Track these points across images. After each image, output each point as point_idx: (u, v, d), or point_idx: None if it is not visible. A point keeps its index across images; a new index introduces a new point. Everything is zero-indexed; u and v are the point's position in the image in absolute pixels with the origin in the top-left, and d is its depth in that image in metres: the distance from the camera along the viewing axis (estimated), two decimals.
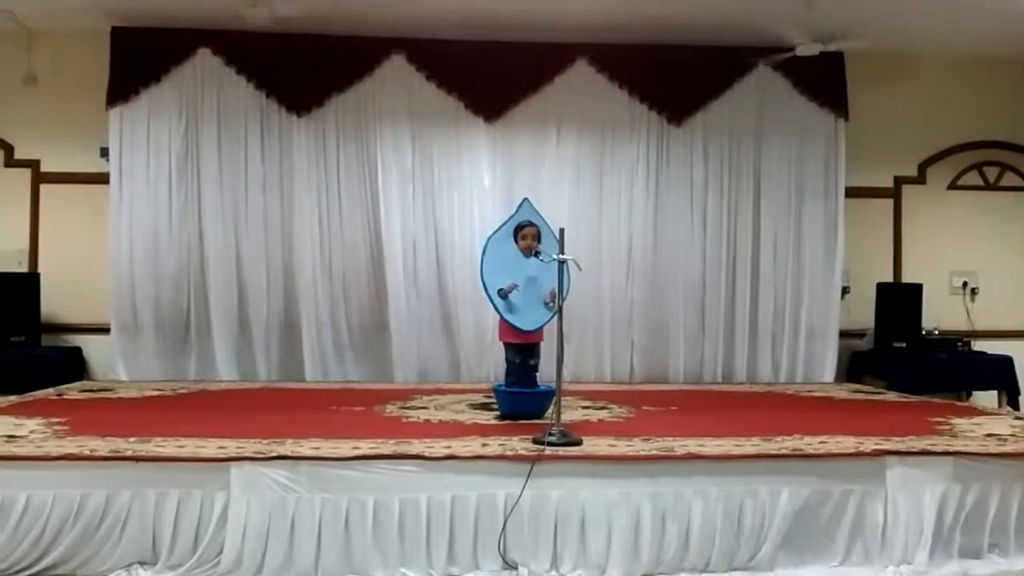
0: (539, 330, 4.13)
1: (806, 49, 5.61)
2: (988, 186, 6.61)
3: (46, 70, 5.92)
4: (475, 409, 4.55)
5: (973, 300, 6.53)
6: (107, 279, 5.81)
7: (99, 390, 5.24)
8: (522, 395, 4.17)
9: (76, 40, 5.95)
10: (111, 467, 3.15)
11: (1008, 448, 3.55)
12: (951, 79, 6.52)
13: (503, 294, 4.01)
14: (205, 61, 5.92)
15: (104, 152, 5.89)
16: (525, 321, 4.05)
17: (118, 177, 5.81)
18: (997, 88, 6.57)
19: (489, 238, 4.18)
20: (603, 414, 4.48)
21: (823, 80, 6.17)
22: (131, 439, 3.42)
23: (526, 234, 4.11)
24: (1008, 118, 6.58)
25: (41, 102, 5.96)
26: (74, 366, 5.86)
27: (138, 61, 5.85)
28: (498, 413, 4.26)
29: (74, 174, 6.01)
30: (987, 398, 6.03)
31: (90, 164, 5.96)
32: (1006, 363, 5.94)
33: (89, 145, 5.94)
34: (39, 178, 6.06)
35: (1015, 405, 5.83)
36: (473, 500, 3.18)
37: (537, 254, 3.98)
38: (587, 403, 4.85)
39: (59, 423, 3.83)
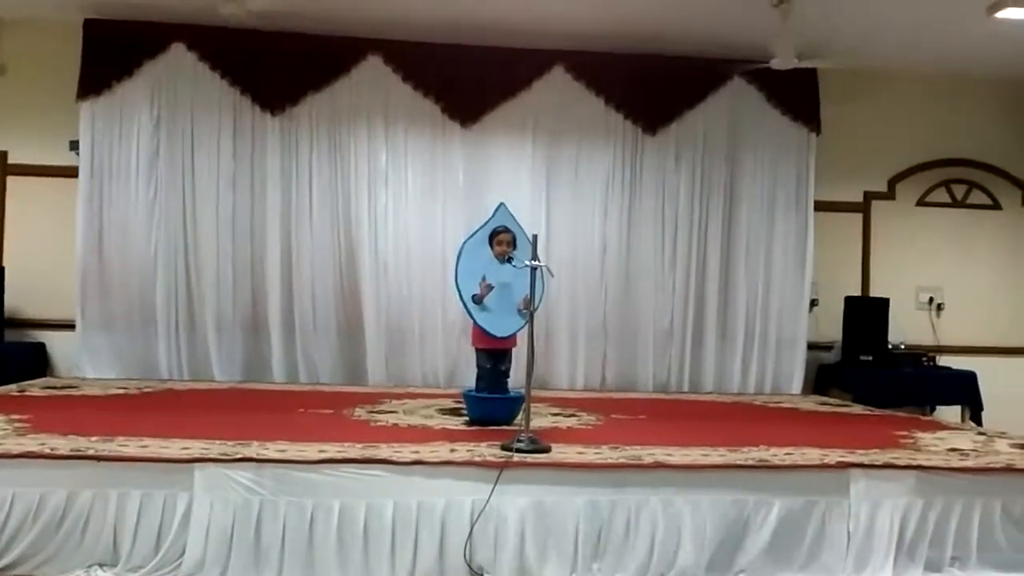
0: (511, 336, 4.11)
1: (780, 63, 5.66)
2: (956, 203, 6.70)
3: (16, 60, 5.82)
4: (444, 414, 4.53)
5: (939, 315, 6.61)
6: (73, 274, 5.72)
7: (63, 387, 5.15)
8: (492, 401, 4.16)
9: (47, 31, 5.86)
10: (72, 466, 3.11)
11: (970, 463, 3.60)
12: (921, 97, 6.61)
13: (478, 299, 4.00)
14: (179, 56, 5.85)
15: (73, 145, 5.78)
16: (498, 327, 4.04)
17: (87, 171, 5.72)
18: (966, 107, 6.66)
19: (464, 243, 4.16)
20: (572, 421, 4.48)
21: (796, 94, 6.23)
22: (93, 438, 3.37)
23: (501, 240, 4.10)
24: (976, 137, 6.67)
25: (10, 93, 5.85)
26: (37, 363, 5.75)
27: (111, 54, 5.76)
28: (467, 418, 4.25)
29: (42, 167, 5.90)
30: (951, 412, 6.10)
31: (59, 157, 5.85)
32: (969, 378, 6.01)
33: (58, 138, 5.83)
34: (6, 170, 5.95)
35: (978, 420, 5.89)
36: (440, 506, 3.16)
37: (510, 260, 3.97)
38: (557, 410, 4.84)
39: (20, 420, 3.77)
